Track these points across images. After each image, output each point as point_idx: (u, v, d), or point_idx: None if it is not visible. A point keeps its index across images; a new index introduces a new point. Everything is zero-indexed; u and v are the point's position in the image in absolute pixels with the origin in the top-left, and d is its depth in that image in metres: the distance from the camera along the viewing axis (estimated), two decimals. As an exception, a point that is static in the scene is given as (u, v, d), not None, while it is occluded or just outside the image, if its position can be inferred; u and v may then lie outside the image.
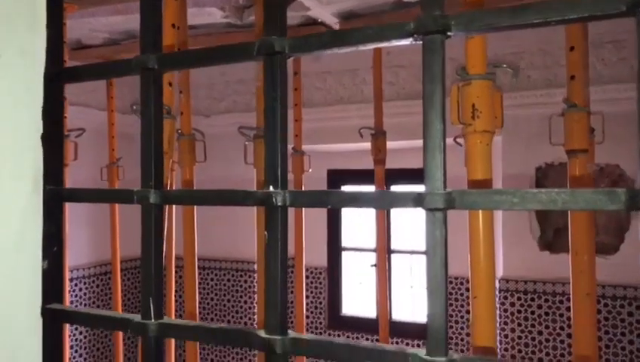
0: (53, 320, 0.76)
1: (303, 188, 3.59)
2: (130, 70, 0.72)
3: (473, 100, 1.34)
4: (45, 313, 0.76)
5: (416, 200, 0.55)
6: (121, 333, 3.74)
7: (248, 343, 0.65)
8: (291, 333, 0.63)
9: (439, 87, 0.56)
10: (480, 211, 1.37)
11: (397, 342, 4.30)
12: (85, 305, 4.32)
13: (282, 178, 0.63)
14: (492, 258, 1.29)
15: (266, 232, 0.63)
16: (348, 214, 4.78)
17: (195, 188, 3.09)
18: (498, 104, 1.40)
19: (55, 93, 0.77)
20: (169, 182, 3.53)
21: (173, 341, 3.54)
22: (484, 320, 1.20)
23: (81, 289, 4.30)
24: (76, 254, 4.07)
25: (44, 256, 0.77)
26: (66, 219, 3.19)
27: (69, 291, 4.04)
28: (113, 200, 0.79)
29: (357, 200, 0.60)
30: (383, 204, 0.59)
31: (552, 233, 3.58)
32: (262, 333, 0.63)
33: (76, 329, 4.18)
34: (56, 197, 0.77)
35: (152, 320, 0.69)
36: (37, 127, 0.76)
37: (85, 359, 4.29)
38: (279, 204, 0.62)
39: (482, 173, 1.46)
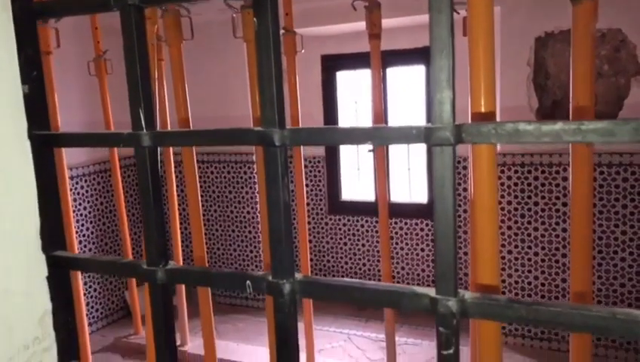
0: (41, 145, 0.73)
1: (297, 74, 3.50)
2: None
3: None
4: (33, 137, 0.73)
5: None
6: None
7: (245, 140, 0.62)
8: (289, 127, 0.60)
9: None
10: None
11: (396, 223, 4.42)
12: (88, 202, 4.37)
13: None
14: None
15: (255, 19, 0.58)
16: (344, 99, 4.71)
17: (185, 75, 3.00)
18: None
19: None
20: (156, 72, 3.42)
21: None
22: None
23: (82, 187, 4.33)
24: (73, 153, 4.05)
25: (24, 81, 0.73)
26: (58, 117, 3.13)
27: (70, 189, 4.07)
28: (90, 10, 0.73)
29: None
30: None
31: (550, 104, 3.54)
32: (259, 128, 0.60)
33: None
34: (27, 13, 0.71)
35: (144, 131, 0.66)
36: None
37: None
38: (267, -17, 0.56)
39: (484, 35, 1.37)
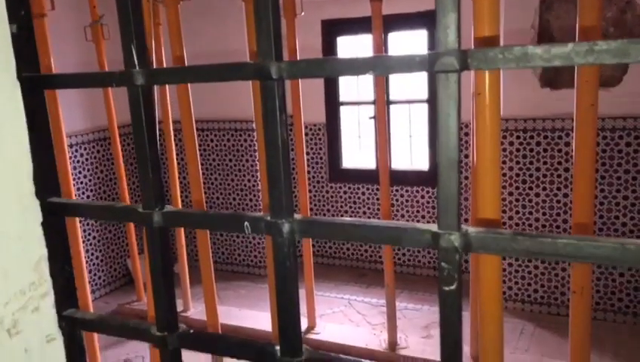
0: (32, 86, 0.71)
1: (297, 38, 3.44)
2: None
3: None
4: (22, 79, 0.70)
5: None
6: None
7: (241, 75, 0.60)
8: (286, 60, 0.58)
9: None
10: None
11: (397, 190, 4.41)
12: (88, 170, 4.36)
13: None
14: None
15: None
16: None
17: (182, 33, 2.94)
18: None
19: None
20: (151, 32, 3.36)
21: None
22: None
23: (82, 155, 4.31)
24: (71, 120, 4.01)
25: (12, 20, 0.70)
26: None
27: (70, 157, 4.05)
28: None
29: None
30: None
31: (554, 69, 3.49)
32: (255, 61, 0.58)
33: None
34: (12, -54, 0.68)
35: (137, 68, 0.64)
36: None
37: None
38: None
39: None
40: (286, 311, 0.62)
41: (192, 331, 0.70)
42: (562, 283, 3.64)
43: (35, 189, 0.72)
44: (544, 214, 3.62)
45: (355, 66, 0.54)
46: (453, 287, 0.53)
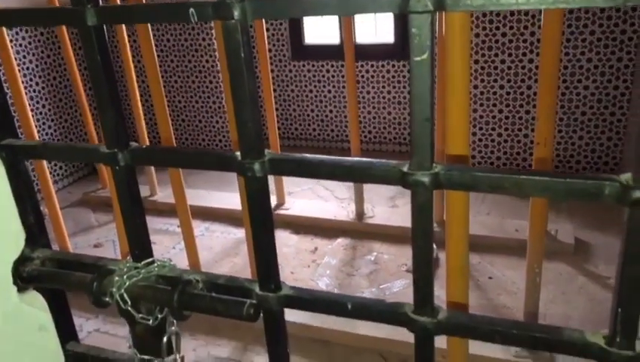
0: None
1: None
2: None
3: None
4: None
5: None
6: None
7: None
8: None
9: None
10: None
11: (362, 66, 4.30)
12: (34, 54, 4.07)
13: None
14: None
15: None
16: None
17: None
18: None
19: None
20: None
21: None
22: None
23: (24, 39, 4.00)
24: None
25: None
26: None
27: (10, 40, 3.75)
28: None
29: None
30: None
31: None
32: None
33: None
34: None
35: None
36: None
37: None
38: None
39: None
40: (243, 108, 0.57)
41: (145, 146, 0.65)
42: (524, 149, 3.73)
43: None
44: (508, 81, 3.61)
45: None
46: (424, 57, 0.48)
